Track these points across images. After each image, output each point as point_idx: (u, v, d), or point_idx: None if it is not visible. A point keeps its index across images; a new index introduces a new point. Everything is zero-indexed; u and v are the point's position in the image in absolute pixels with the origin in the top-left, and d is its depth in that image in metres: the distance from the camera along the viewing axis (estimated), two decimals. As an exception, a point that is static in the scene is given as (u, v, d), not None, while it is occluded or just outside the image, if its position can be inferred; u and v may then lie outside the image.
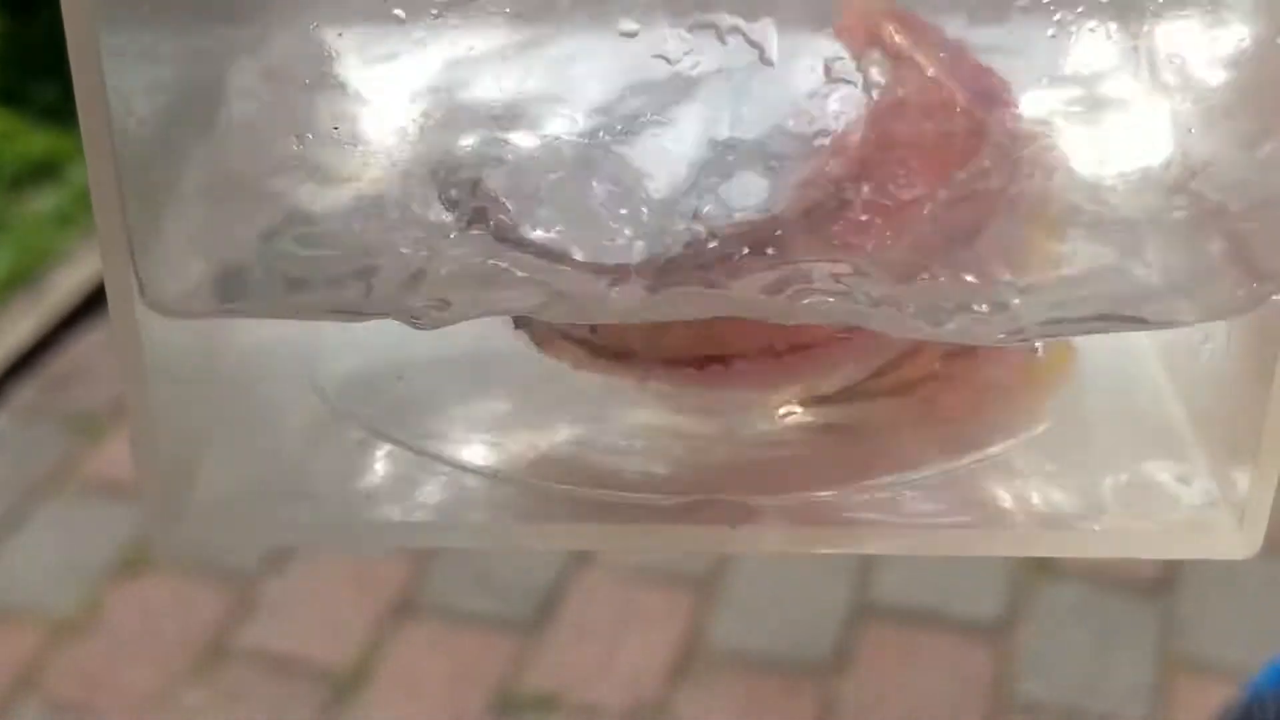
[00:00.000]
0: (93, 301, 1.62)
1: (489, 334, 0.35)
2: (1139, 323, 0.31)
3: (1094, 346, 0.36)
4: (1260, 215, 0.29)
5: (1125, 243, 0.30)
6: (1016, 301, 0.30)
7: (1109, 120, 0.30)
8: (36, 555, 1.35)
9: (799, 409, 0.36)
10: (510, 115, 0.31)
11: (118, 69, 0.31)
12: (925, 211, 0.30)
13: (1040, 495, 0.35)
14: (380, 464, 0.36)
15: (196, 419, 0.37)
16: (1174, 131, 0.30)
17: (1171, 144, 0.30)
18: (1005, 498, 0.35)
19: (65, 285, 1.62)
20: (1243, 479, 0.32)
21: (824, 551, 0.34)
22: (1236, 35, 0.29)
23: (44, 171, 1.77)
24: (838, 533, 0.34)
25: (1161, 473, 0.35)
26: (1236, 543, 0.33)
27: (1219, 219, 0.30)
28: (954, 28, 0.30)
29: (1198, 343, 0.35)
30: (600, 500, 0.34)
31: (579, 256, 0.30)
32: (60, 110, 1.87)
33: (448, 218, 0.31)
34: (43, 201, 1.73)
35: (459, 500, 0.36)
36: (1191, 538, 0.34)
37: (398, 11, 0.31)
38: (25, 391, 1.52)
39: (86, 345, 1.58)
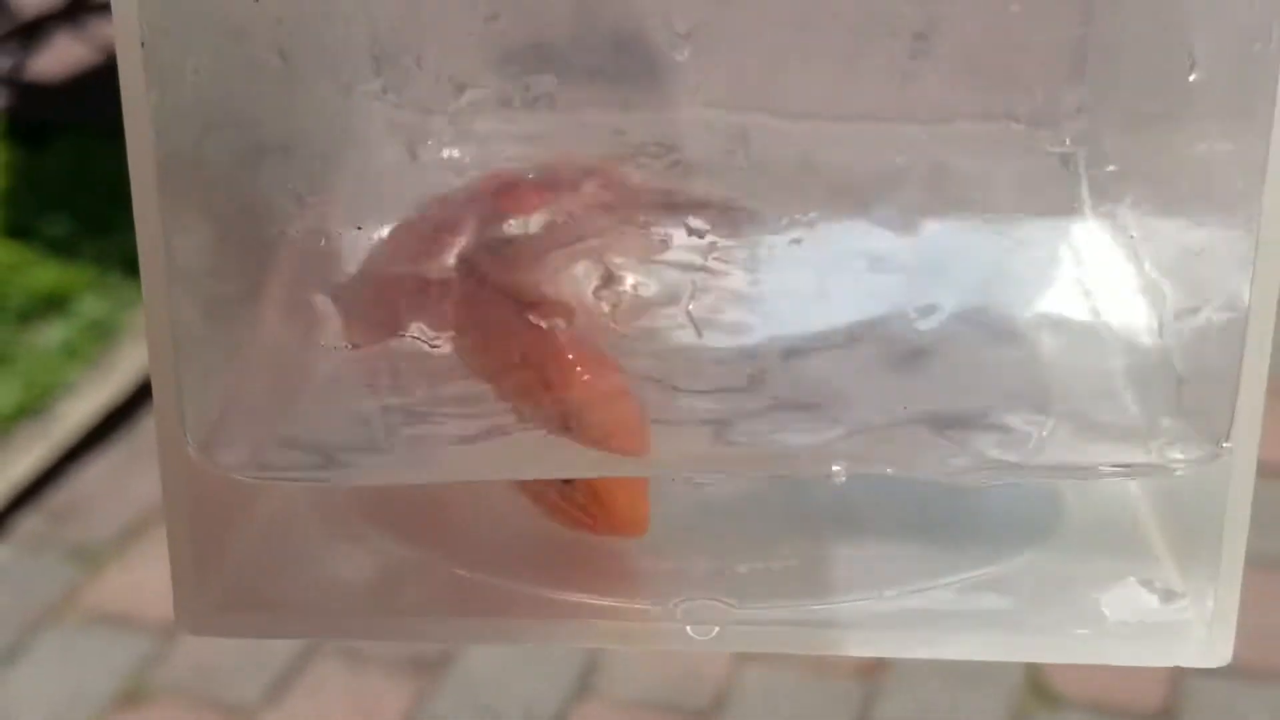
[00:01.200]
0: (98, 434, 1.63)
1: None
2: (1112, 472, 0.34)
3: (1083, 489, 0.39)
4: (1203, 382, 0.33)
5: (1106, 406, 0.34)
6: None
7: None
8: (38, 686, 1.35)
9: None
10: None
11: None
12: None
13: (1018, 605, 0.37)
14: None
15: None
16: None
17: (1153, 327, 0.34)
18: (985, 608, 0.36)
19: (72, 417, 1.63)
20: (1210, 592, 0.34)
21: (806, 653, 0.36)
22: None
23: (52, 304, 1.79)
24: (822, 636, 0.36)
25: (1135, 586, 0.36)
26: (1208, 651, 0.35)
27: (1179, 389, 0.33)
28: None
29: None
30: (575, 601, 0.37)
31: None
32: (69, 244, 1.89)
33: None
34: (51, 334, 1.75)
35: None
36: (1163, 647, 0.35)
37: None
38: (29, 522, 1.53)
39: (91, 477, 1.59)
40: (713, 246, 0.37)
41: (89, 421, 1.63)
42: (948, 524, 0.39)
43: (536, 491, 0.38)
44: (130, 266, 1.87)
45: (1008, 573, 0.37)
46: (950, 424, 0.36)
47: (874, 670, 1.36)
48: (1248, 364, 0.32)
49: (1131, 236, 0.36)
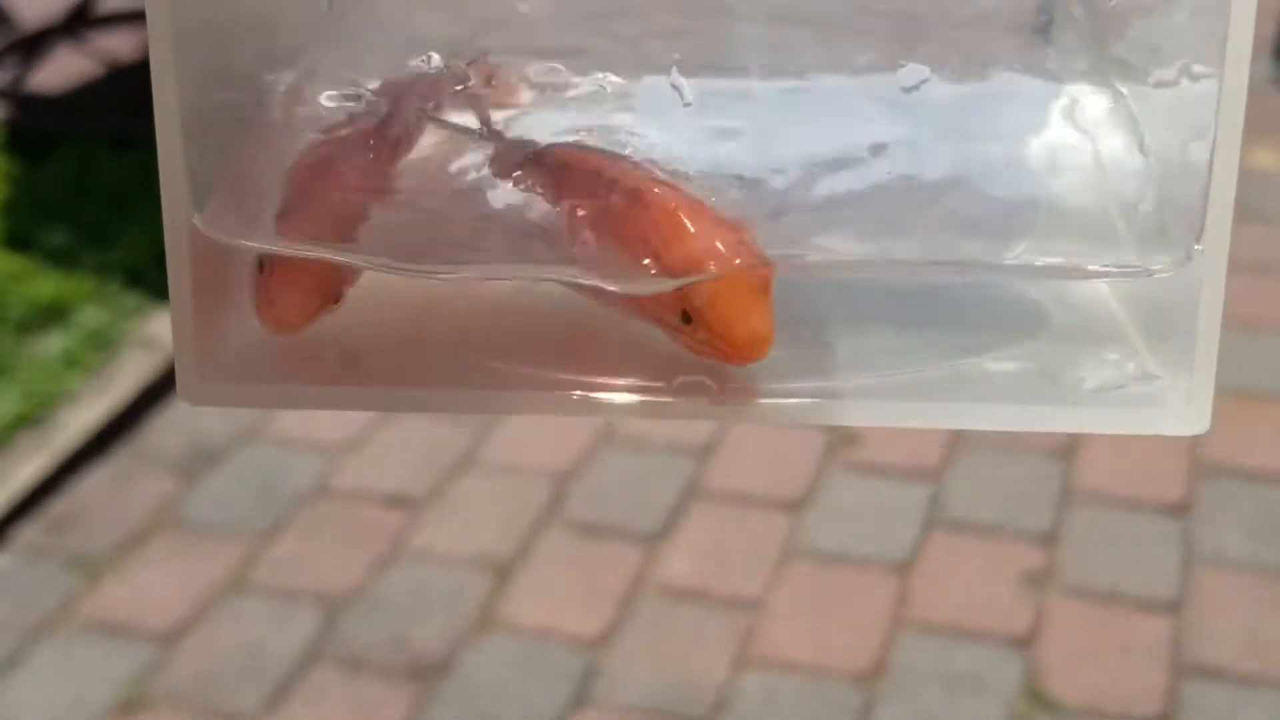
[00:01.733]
0: (98, 444, 1.63)
1: None
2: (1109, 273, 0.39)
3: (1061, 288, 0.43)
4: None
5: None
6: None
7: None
8: (37, 695, 1.35)
9: None
10: None
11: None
12: None
13: (1007, 383, 0.40)
14: None
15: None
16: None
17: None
18: (977, 384, 0.40)
19: (71, 427, 1.64)
20: (1187, 368, 0.38)
21: (811, 425, 0.39)
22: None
23: (52, 315, 1.80)
24: (819, 407, 0.39)
25: (1116, 366, 0.40)
26: (1186, 420, 0.38)
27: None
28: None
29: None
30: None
31: None
32: (69, 254, 1.90)
33: None
34: (51, 344, 1.76)
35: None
36: (1145, 416, 0.38)
37: None
38: (28, 532, 1.53)
39: (91, 487, 1.60)
40: (703, 97, 0.40)
41: (89, 431, 1.63)
42: (940, 323, 0.42)
43: (657, 318, 0.39)
44: (130, 277, 1.87)
45: (998, 358, 0.40)
46: (964, 232, 0.39)
47: (873, 676, 1.36)
48: (1216, 177, 0.36)
49: (1117, 88, 0.41)
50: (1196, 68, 0.36)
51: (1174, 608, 1.42)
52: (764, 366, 0.39)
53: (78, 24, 2.37)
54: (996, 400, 0.39)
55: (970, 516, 1.54)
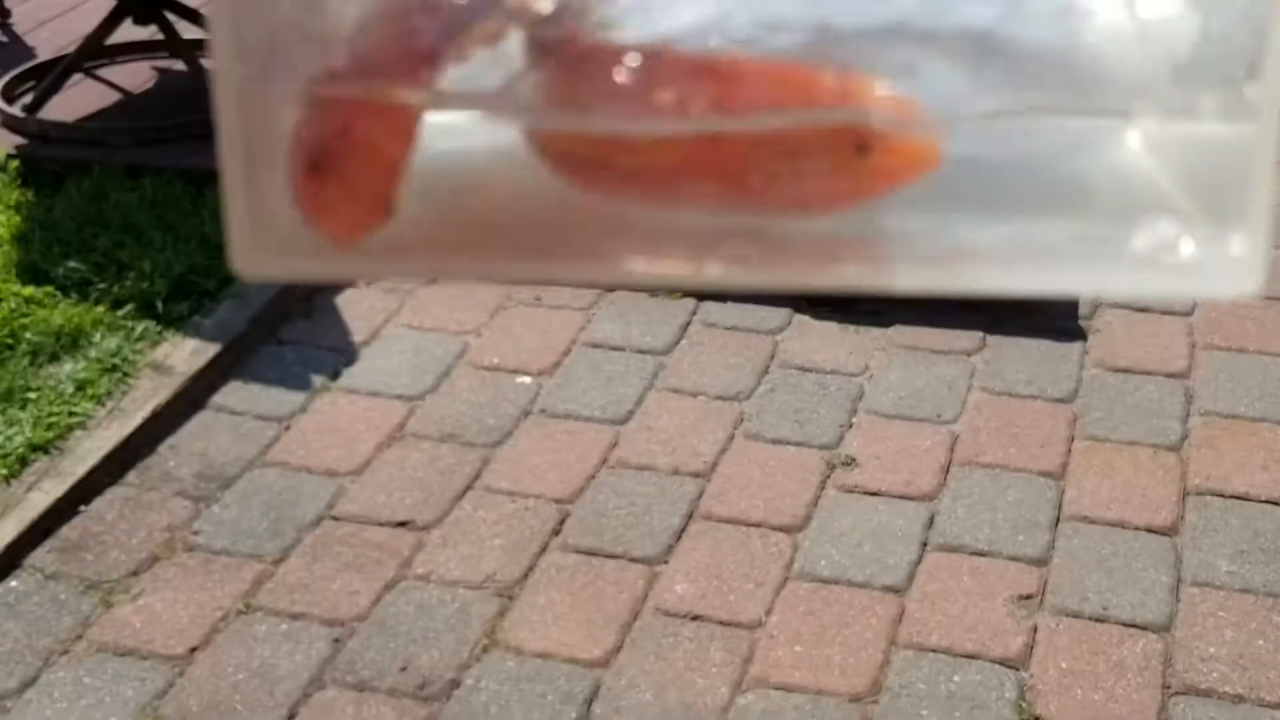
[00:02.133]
0: (111, 470, 1.66)
1: None
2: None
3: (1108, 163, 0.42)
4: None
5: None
6: None
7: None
8: (51, 717, 1.38)
9: None
10: None
11: None
12: None
13: (1057, 248, 0.39)
14: None
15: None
16: None
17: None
18: (1029, 249, 0.39)
19: (84, 453, 1.67)
20: (1239, 230, 0.37)
21: (848, 285, 0.38)
22: None
23: (66, 343, 1.83)
24: (867, 268, 0.39)
25: (1169, 230, 0.39)
26: (1238, 281, 0.37)
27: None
28: None
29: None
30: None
31: None
32: (83, 283, 1.93)
33: None
34: (64, 372, 1.79)
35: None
36: (1198, 279, 0.38)
37: None
38: (42, 556, 1.56)
39: (103, 512, 1.63)
40: None
41: (101, 458, 1.66)
42: (986, 195, 0.41)
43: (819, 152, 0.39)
44: (143, 305, 1.91)
45: (1049, 227, 0.40)
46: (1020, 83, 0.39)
47: (870, 696, 1.39)
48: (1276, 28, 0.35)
49: None
50: None
51: (1164, 628, 1.45)
52: (810, 232, 0.39)
53: (91, 56, 2.41)
54: (1047, 265, 0.39)
55: (965, 539, 1.57)
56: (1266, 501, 1.62)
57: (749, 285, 0.39)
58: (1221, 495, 1.62)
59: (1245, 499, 1.62)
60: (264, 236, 0.40)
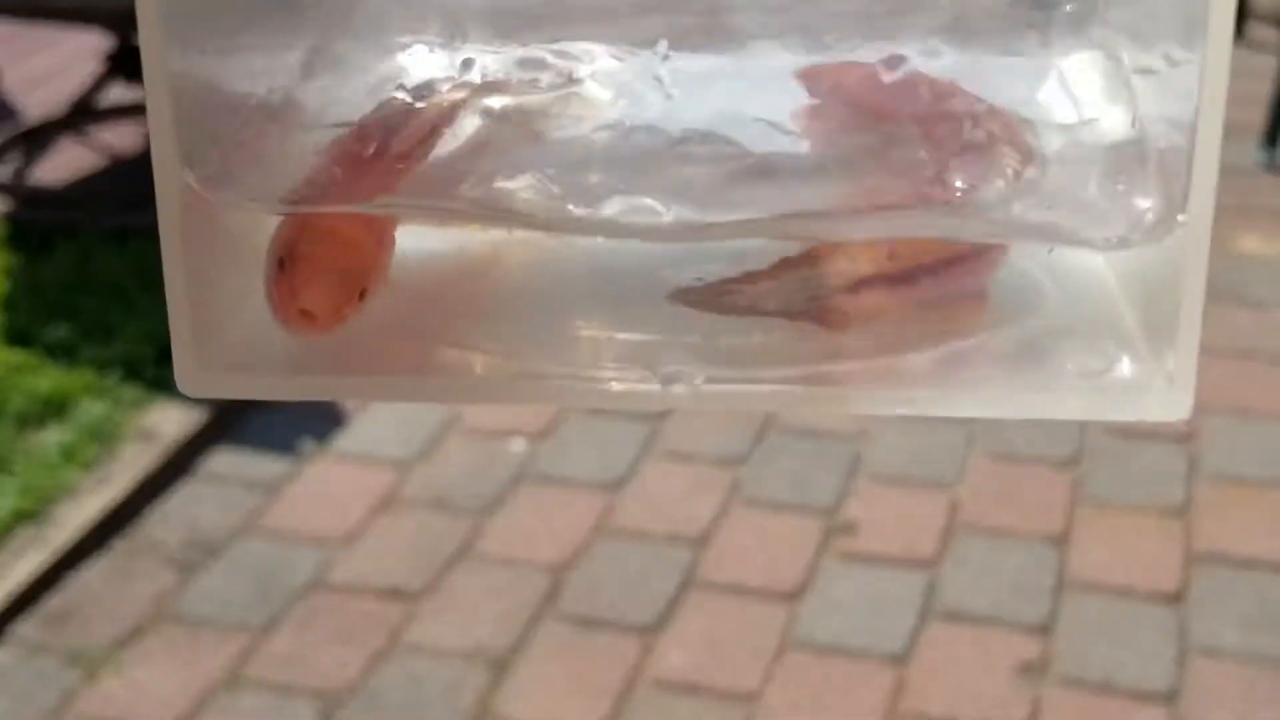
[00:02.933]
0: (96, 539, 1.64)
1: None
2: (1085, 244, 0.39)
3: (1064, 277, 0.43)
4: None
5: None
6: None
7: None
8: (33, 795, 1.35)
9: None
10: None
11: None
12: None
13: (1003, 369, 0.40)
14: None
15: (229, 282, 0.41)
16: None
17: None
18: (962, 370, 0.40)
19: (69, 522, 1.64)
20: (1170, 354, 0.38)
21: (784, 409, 0.39)
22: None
23: (51, 408, 1.81)
24: (804, 394, 0.39)
25: (1105, 353, 0.40)
26: (1168, 407, 0.38)
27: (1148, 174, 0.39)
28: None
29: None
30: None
31: None
32: (69, 348, 1.91)
33: None
34: (49, 438, 1.76)
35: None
36: (1129, 403, 0.39)
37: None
38: (27, 627, 1.53)
39: (88, 582, 1.60)
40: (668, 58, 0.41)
41: (87, 525, 1.64)
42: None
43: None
44: (129, 371, 1.89)
45: (988, 340, 0.41)
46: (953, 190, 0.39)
47: (870, 770, 1.36)
48: (1200, 152, 0.36)
49: (1114, 55, 0.41)
50: (1177, 52, 0.37)
51: (1169, 698, 1.42)
52: (747, 351, 0.39)
53: (80, 118, 2.40)
54: (983, 387, 0.39)
55: (966, 606, 1.54)
56: (1273, 567, 1.59)
57: (695, 406, 0.39)
58: (1228, 561, 1.60)
59: (1252, 565, 1.59)
60: (211, 354, 0.39)
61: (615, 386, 0.39)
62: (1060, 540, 1.63)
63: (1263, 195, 2.22)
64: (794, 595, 1.56)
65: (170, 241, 0.38)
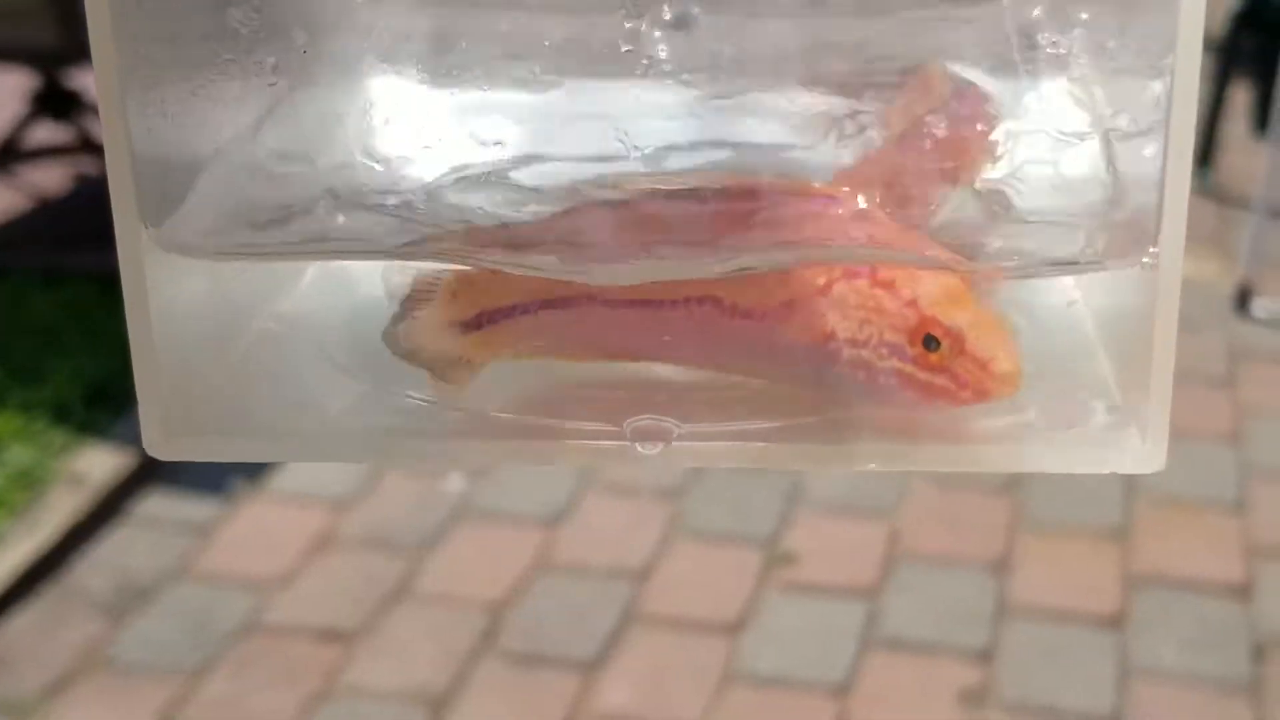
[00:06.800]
0: (24, 585, 1.61)
1: None
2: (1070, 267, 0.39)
3: (1043, 318, 0.42)
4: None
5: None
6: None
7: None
8: None
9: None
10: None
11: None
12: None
13: (968, 422, 0.39)
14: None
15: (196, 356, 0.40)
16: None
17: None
18: (933, 422, 0.39)
19: (-3, 569, 1.61)
20: (1145, 405, 0.38)
21: (756, 467, 0.38)
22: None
23: (-22, 454, 1.78)
24: (772, 451, 0.38)
25: (1082, 404, 0.39)
26: (1143, 457, 0.38)
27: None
28: None
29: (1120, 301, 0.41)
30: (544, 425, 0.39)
31: None
32: (-3, 392, 1.88)
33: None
34: (-24, 485, 1.73)
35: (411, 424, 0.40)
36: (1103, 455, 0.39)
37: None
38: (-46, 678, 1.50)
39: (17, 630, 1.57)
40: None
41: (15, 572, 1.61)
42: None
43: (859, 361, 0.38)
44: (58, 414, 1.86)
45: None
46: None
47: (814, 802, 1.35)
48: (1169, 190, 0.36)
49: (1084, 91, 0.40)
50: (1154, 83, 0.36)
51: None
52: (713, 408, 0.39)
53: (6, 158, 2.37)
54: (947, 440, 0.38)
55: (907, 634, 1.54)
56: (1212, 588, 1.60)
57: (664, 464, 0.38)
58: (1167, 582, 1.60)
59: (1191, 586, 1.60)
60: (179, 417, 0.38)
61: (586, 445, 0.38)
62: (1000, 565, 1.63)
63: (1194, 217, 2.24)
64: (735, 627, 1.55)
65: (135, 303, 0.37)
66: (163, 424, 0.38)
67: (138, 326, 0.37)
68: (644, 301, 0.38)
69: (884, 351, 0.38)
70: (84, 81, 2.32)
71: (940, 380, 0.37)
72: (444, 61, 0.42)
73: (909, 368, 0.37)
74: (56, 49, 2.15)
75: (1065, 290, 0.43)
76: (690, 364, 0.40)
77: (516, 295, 0.39)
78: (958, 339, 0.37)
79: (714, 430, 0.38)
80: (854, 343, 0.38)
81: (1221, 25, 2.40)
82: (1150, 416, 0.37)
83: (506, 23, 0.41)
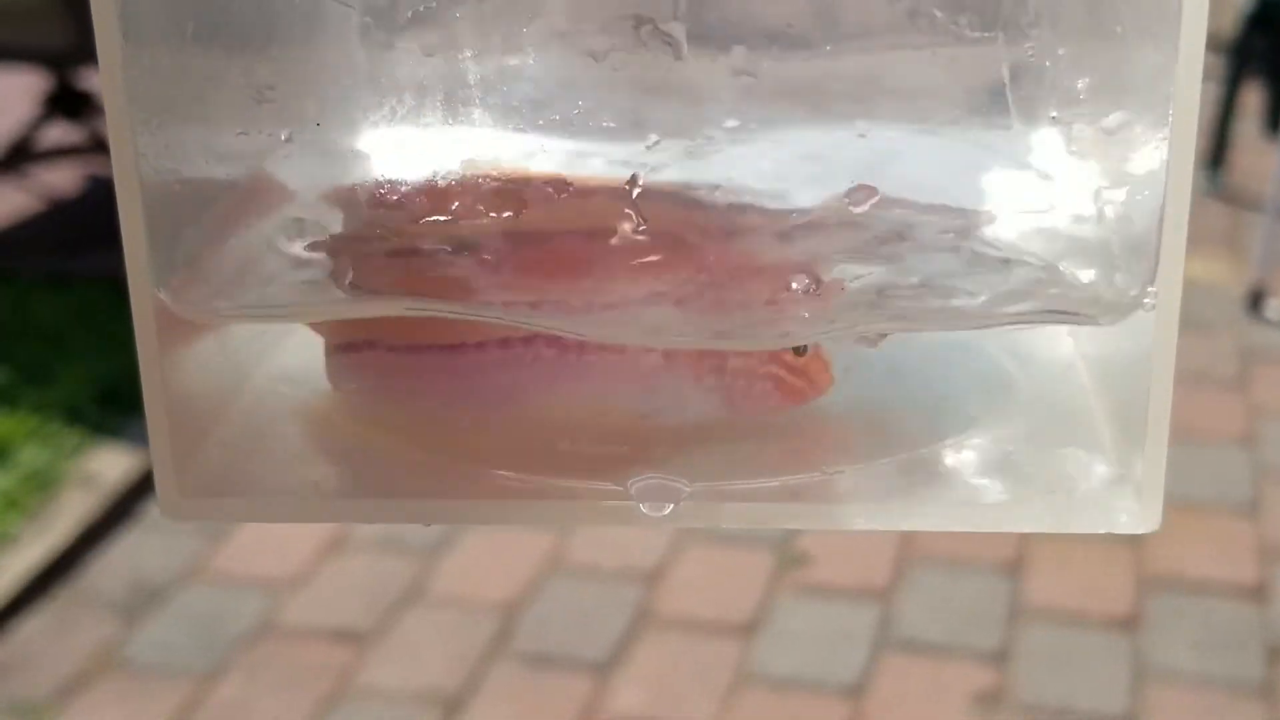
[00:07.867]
0: (37, 587, 1.61)
1: None
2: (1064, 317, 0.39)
3: (1034, 366, 0.42)
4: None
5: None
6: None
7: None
8: None
9: None
10: None
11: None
12: None
13: (959, 480, 0.39)
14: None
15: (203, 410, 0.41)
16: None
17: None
18: (930, 483, 0.39)
19: (11, 571, 1.61)
20: (1139, 464, 0.37)
21: (758, 527, 0.38)
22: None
23: (-9, 455, 1.78)
24: (774, 510, 0.38)
25: (1076, 462, 0.39)
26: (1139, 518, 0.38)
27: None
28: None
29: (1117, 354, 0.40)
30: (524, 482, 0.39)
31: None
32: (8, 394, 1.88)
33: None
34: (-11, 486, 1.74)
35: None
36: (1098, 515, 0.38)
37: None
38: (-33, 680, 1.50)
39: (30, 631, 1.57)
40: (656, 143, 0.39)
41: (29, 574, 1.61)
42: (901, 403, 0.42)
43: (743, 368, 0.39)
44: (70, 415, 1.86)
45: (953, 450, 0.40)
46: (917, 281, 0.39)
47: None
48: (1166, 236, 0.36)
49: (1078, 136, 0.40)
50: (1140, 127, 0.36)
51: (1126, 723, 1.42)
52: (714, 464, 0.39)
53: (18, 160, 2.37)
54: (942, 500, 0.39)
55: (920, 636, 1.54)
56: (1224, 589, 1.59)
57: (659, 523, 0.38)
58: (1180, 585, 1.60)
59: (1204, 588, 1.59)
60: (191, 477, 0.39)
61: (590, 505, 0.38)
62: (1013, 567, 1.63)
63: (1206, 219, 2.24)
64: (748, 629, 1.55)
65: (149, 364, 0.37)
66: (178, 487, 0.38)
67: (151, 386, 0.37)
68: (493, 343, 0.39)
69: (766, 356, 0.39)
70: (95, 82, 2.33)
71: (798, 381, 0.39)
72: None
73: (782, 371, 0.39)
74: (68, 49, 2.15)
75: (1059, 337, 0.43)
76: (549, 405, 0.40)
77: (372, 330, 0.39)
78: (815, 342, 0.39)
79: (723, 490, 0.38)
80: (742, 351, 0.39)
81: (1233, 26, 2.40)
82: (1145, 478, 0.37)
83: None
